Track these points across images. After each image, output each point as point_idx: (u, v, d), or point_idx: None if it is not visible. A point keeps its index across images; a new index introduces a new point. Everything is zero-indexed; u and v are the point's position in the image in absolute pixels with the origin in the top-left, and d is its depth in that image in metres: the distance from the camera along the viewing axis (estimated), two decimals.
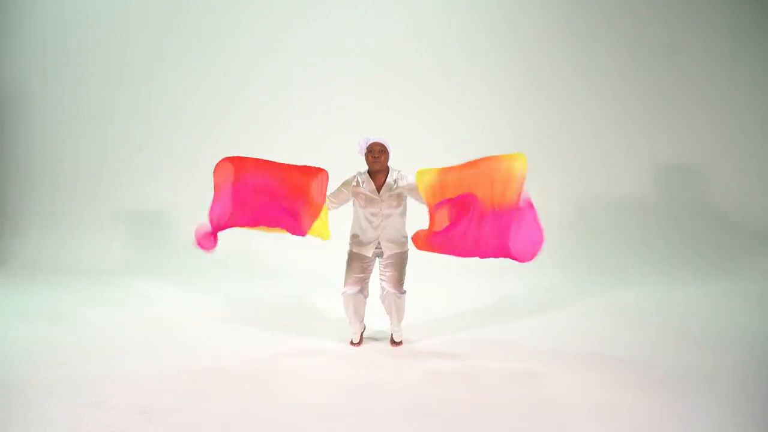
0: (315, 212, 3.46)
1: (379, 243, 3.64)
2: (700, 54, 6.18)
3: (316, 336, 4.03)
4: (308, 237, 3.56)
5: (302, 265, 5.93)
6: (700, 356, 3.57)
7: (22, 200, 6.47)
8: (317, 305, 4.77)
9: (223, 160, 3.51)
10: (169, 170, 6.41)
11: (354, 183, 3.63)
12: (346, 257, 3.72)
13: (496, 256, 3.12)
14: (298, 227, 3.42)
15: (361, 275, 3.68)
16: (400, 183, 3.59)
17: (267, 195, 3.42)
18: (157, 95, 6.43)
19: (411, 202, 3.69)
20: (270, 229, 3.50)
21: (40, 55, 6.45)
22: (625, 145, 6.27)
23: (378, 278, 3.78)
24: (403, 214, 3.67)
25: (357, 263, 3.67)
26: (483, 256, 3.19)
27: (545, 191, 6.21)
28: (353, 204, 3.68)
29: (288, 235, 3.51)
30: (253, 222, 3.44)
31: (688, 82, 6.19)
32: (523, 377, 3.26)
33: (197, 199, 6.35)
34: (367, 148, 3.60)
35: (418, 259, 4.54)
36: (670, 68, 6.21)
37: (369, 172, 3.63)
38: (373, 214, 3.59)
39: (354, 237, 3.70)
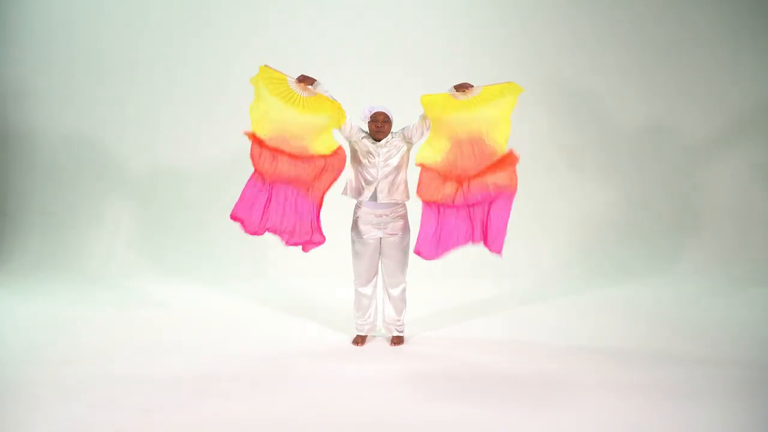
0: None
1: (376, 194, 3.59)
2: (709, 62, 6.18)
3: (319, 335, 4.03)
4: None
5: (305, 263, 5.90)
6: (710, 357, 3.58)
7: (25, 199, 6.45)
8: (319, 304, 4.77)
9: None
10: (173, 170, 6.40)
11: (361, 135, 3.65)
12: (350, 246, 3.76)
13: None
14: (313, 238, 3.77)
15: (369, 264, 3.71)
16: (406, 132, 3.65)
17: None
18: (162, 95, 6.40)
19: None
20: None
21: (43, 53, 6.42)
22: (629, 141, 6.26)
23: (380, 272, 3.82)
24: (403, 167, 3.65)
25: (362, 250, 3.68)
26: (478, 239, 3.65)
27: (551, 188, 6.26)
28: (352, 166, 3.68)
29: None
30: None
31: (691, 78, 6.19)
32: (533, 377, 3.25)
33: (200, 200, 6.42)
34: (371, 117, 3.63)
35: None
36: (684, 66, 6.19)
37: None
38: (371, 162, 3.59)
39: (355, 212, 3.71)
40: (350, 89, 5.87)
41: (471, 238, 3.64)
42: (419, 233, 3.64)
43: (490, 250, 3.58)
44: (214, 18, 6.37)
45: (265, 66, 3.54)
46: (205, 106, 6.35)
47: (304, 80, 3.54)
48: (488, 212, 3.58)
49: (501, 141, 3.56)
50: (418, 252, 3.65)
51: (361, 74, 6.21)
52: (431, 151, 3.64)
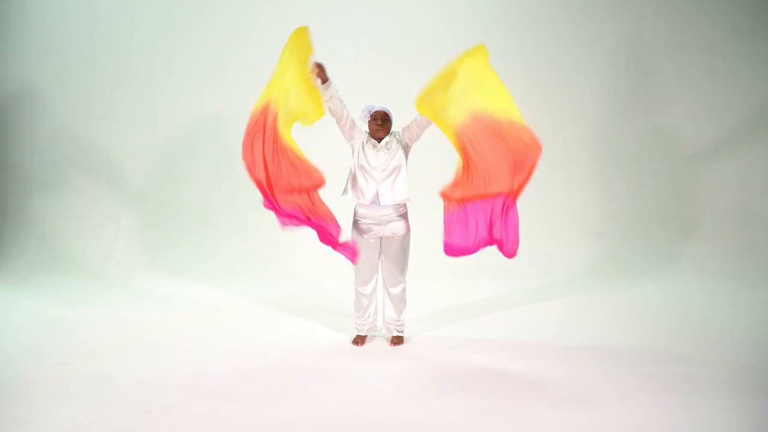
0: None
1: (377, 197, 3.59)
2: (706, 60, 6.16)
3: (320, 335, 4.03)
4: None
5: (304, 262, 5.92)
6: (711, 357, 3.56)
7: (24, 199, 6.46)
8: (319, 304, 4.77)
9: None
10: (171, 171, 6.40)
11: (360, 135, 3.65)
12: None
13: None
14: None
15: (369, 264, 3.70)
16: (405, 133, 3.65)
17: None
18: (162, 95, 6.40)
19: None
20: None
21: (44, 54, 6.43)
22: (630, 141, 6.25)
23: (380, 270, 3.81)
24: (404, 167, 3.64)
25: (362, 249, 3.66)
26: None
27: (551, 187, 6.25)
28: (353, 167, 3.64)
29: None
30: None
31: (692, 78, 6.18)
32: (534, 377, 3.25)
33: (200, 200, 6.42)
34: (371, 116, 3.62)
35: (420, 255, 4.56)
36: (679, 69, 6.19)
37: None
38: (371, 163, 3.59)
39: (356, 212, 3.69)
40: (350, 89, 5.91)
41: (490, 240, 3.44)
42: (449, 232, 3.45)
43: (504, 253, 3.42)
44: (212, 17, 6.37)
45: (304, 28, 3.43)
46: (204, 106, 6.35)
47: (320, 72, 3.53)
48: (506, 216, 3.42)
49: (509, 109, 3.32)
50: (449, 250, 3.46)
51: (361, 74, 6.20)
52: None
